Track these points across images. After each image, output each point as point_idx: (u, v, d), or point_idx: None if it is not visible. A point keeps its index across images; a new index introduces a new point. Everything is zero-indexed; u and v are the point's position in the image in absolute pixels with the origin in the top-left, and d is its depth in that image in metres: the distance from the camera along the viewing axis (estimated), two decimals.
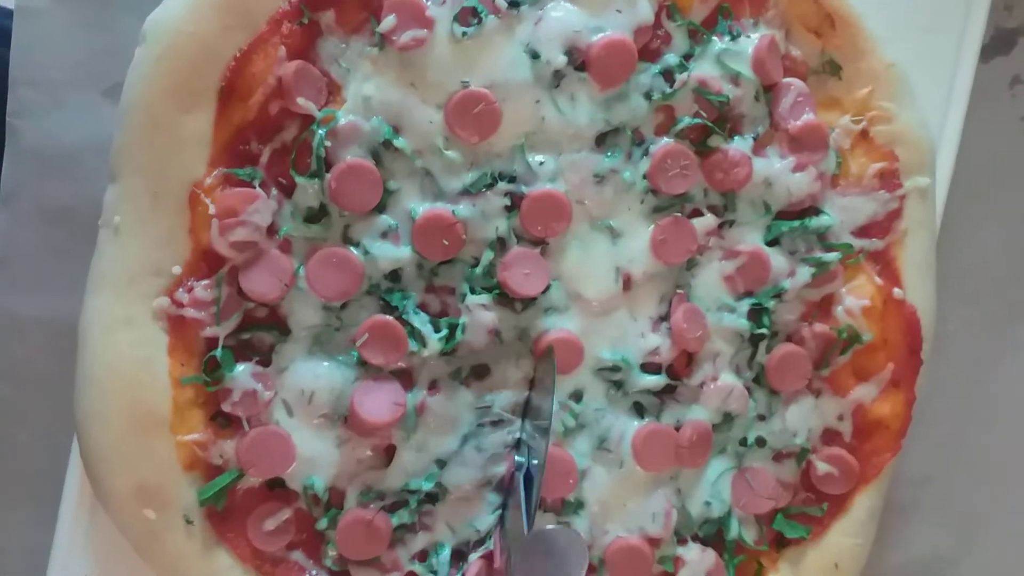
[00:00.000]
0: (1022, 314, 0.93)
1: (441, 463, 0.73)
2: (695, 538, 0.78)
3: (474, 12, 0.69)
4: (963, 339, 0.89)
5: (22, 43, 0.72)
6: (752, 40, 0.74)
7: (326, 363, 0.71)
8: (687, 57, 0.74)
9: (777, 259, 0.77)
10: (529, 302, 0.74)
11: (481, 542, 0.74)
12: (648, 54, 0.74)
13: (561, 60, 0.71)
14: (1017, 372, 0.92)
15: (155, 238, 0.67)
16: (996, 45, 0.88)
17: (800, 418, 0.78)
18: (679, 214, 0.75)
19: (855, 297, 0.78)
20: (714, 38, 0.74)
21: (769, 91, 0.76)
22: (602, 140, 0.74)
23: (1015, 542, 0.93)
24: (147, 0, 0.71)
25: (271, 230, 0.69)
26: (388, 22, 0.68)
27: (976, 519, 0.93)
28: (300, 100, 0.67)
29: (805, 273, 0.77)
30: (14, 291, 0.73)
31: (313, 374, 0.71)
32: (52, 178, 0.73)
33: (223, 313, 0.69)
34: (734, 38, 0.74)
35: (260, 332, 0.71)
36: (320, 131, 0.68)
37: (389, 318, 0.71)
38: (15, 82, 0.72)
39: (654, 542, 0.76)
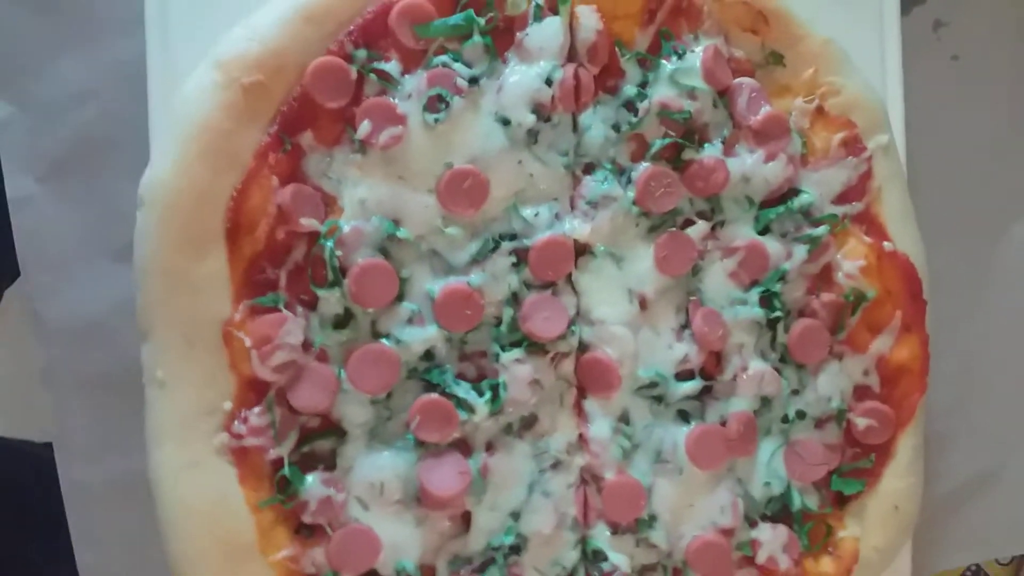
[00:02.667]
0: (1000, 232, 0.98)
1: (516, 515, 0.76)
2: (764, 518, 0.82)
3: (440, 98, 0.73)
4: (953, 270, 0.94)
5: (24, 232, 0.75)
6: (697, 54, 0.78)
7: (386, 452, 0.75)
8: (643, 85, 0.78)
9: (772, 245, 0.81)
10: (560, 341, 0.77)
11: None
12: (608, 90, 0.79)
13: (530, 119, 0.75)
14: (1007, 284, 0.98)
15: (199, 381, 0.71)
16: None
17: (830, 383, 0.82)
18: (674, 228, 0.80)
19: (851, 260, 0.83)
20: (663, 61, 0.78)
21: (724, 95, 0.80)
22: (588, 170, 0.79)
23: None
24: (131, 160, 0.74)
25: (306, 345, 0.72)
26: (364, 128, 0.72)
27: (1005, 430, 0.98)
28: (303, 220, 0.71)
29: (801, 251, 0.81)
30: (77, 463, 0.76)
31: (377, 466, 0.74)
32: (85, 349, 0.76)
33: (280, 433, 0.72)
34: (680, 56, 0.79)
35: (319, 440, 0.74)
36: (328, 243, 0.72)
37: (435, 395, 0.75)
38: (27, 270, 0.75)
39: (728, 532, 0.80)
